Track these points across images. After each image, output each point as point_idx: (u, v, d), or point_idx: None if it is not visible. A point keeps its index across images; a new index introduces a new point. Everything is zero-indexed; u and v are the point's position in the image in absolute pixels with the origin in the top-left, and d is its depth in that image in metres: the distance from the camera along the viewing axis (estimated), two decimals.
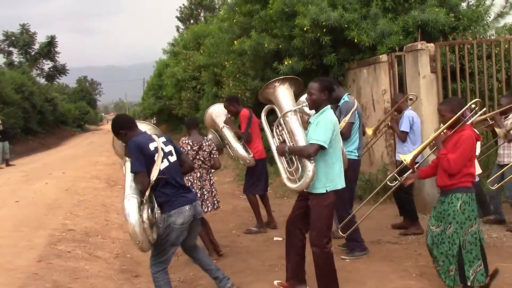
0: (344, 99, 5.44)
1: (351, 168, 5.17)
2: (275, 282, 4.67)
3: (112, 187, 11.28)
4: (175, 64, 20.45)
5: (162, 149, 4.08)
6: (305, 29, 8.64)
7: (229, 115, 6.66)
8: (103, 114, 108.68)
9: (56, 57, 46.18)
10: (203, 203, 5.68)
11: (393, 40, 8.03)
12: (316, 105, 4.20)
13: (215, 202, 5.86)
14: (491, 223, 6.29)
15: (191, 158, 5.55)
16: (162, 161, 4.02)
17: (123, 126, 4.14)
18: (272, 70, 9.77)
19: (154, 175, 3.94)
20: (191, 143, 5.65)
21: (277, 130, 4.41)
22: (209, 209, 5.79)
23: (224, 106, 6.70)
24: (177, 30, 39.37)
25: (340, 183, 4.17)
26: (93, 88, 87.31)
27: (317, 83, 4.19)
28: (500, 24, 9.04)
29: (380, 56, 8.04)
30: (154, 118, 34.82)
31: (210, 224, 5.91)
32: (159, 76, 26.53)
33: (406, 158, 4.39)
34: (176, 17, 40.45)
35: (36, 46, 44.51)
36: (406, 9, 8.62)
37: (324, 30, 8.54)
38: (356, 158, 5.39)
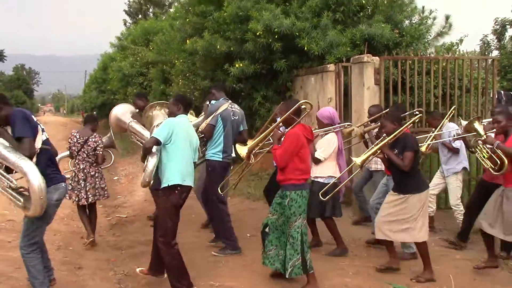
0: (212, 102, 5.81)
1: (215, 169, 5.68)
2: (137, 269, 5.06)
3: None
4: (122, 58, 20.09)
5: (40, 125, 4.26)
6: (257, 34, 8.83)
7: (137, 110, 6.86)
8: (39, 105, 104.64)
9: None
10: (88, 192, 6.22)
11: (341, 51, 8.39)
12: (170, 115, 4.87)
13: (97, 194, 6.36)
14: (358, 224, 6.85)
15: (77, 150, 6.19)
16: (42, 134, 4.20)
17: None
18: (222, 71, 9.90)
19: (38, 143, 4.10)
20: (77, 136, 6.26)
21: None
22: (90, 199, 6.29)
23: (133, 101, 7.03)
24: (125, 24, 38.56)
25: (179, 179, 4.54)
26: (30, 77, 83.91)
27: (172, 99, 4.89)
28: (439, 43, 9.61)
29: (328, 65, 8.38)
30: (95, 113, 33.82)
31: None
32: (104, 69, 25.92)
33: (242, 152, 4.87)
34: (124, 10, 39.64)
35: None
36: (355, 22, 9.02)
37: (276, 36, 8.78)
38: (220, 160, 5.72)
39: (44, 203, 3.93)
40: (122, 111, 6.63)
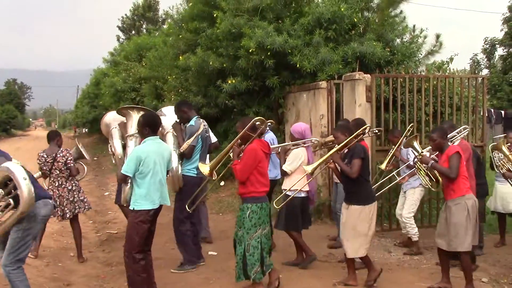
0: (190, 123, 5.88)
1: (189, 184, 5.79)
2: None
3: None
4: (115, 74, 20.17)
5: None
6: (250, 50, 8.88)
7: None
8: (31, 119, 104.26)
9: None
10: (65, 208, 6.23)
11: (333, 68, 8.46)
12: (141, 136, 4.92)
13: (77, 207, 6.36)
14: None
15: (48, 169, 6.19)
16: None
17: None
18: (215, 88, 9.94)
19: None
20: (45, 156, 6.23)
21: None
22: (68, 215, 6.30)
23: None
24: (118, 39, 38.71)
25: (147, 205, 4.67)
26: (22, 91, 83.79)
27: (141, 119, 4.83)
28: (430, 61, 9.73)
29: (320, 83, 8.43)
30: (86, 130, 33.62)
31: None
32: (97, 84, 26.01)
33: (204, 170, 4.98)
34: (118, 26, 39.82)
35: None
36: (347, 40, 9.12)
37: (269, 53, 8.83)
38: (195, 175, 5.85)
39: (31, 189, 3.95)
40: (114, 118, 6.70)
